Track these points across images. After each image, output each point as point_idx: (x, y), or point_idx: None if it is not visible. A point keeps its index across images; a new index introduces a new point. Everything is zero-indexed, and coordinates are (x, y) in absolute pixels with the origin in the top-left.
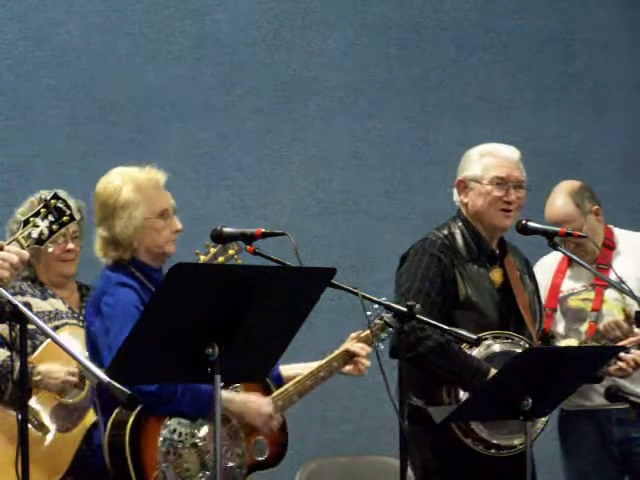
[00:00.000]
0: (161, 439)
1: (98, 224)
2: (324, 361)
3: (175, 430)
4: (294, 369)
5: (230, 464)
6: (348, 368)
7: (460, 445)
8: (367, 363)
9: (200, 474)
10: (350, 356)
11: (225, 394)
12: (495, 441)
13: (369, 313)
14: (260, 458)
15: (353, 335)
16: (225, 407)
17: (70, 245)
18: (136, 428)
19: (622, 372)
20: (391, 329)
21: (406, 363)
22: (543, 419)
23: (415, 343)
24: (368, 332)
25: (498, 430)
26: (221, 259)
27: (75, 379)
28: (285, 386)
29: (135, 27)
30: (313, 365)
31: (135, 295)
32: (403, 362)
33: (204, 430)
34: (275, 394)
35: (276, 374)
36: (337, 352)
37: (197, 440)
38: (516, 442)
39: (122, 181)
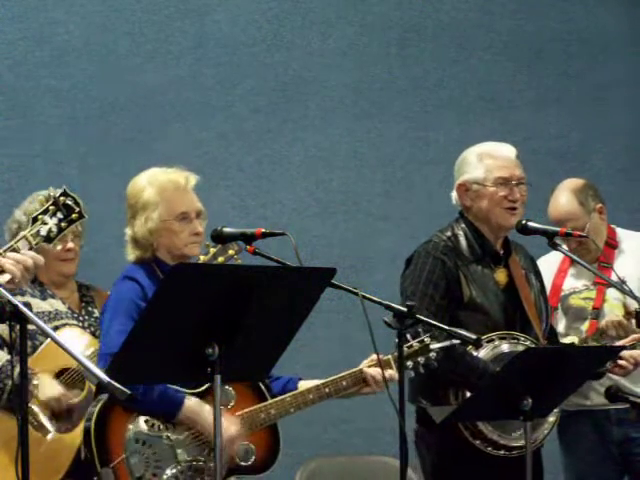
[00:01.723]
0: (131, 427)
1: (127, 224)
2: (332, 378)
3: (148, 420)
4: (313, 384)
5: (205, 463)
6: (363, 388)
7: (469, 446)
8: (378, 388)
9: (171, 466)
10: (363, 378)
11: (195, 406)
12: (503, 442)
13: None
14: (243, 463)
15: (374, 357)
16: (189, 417)
17: (70, 244)
18: (104, 414)
19: (623, 370)
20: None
21: None
22: (551, 419)
23: None
24: (389, 356)
25: (506, 430)
26: (221, 259)
27: (64, 404)
28: (283, 395)
29: (135, 27)
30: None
31: (138, 289)
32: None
33: (176, 423)
34: (269, 402)
35: (294, 389)
36: (349, 371)
37: (170, 433)
38: (524, 442)
39: (146, 182)
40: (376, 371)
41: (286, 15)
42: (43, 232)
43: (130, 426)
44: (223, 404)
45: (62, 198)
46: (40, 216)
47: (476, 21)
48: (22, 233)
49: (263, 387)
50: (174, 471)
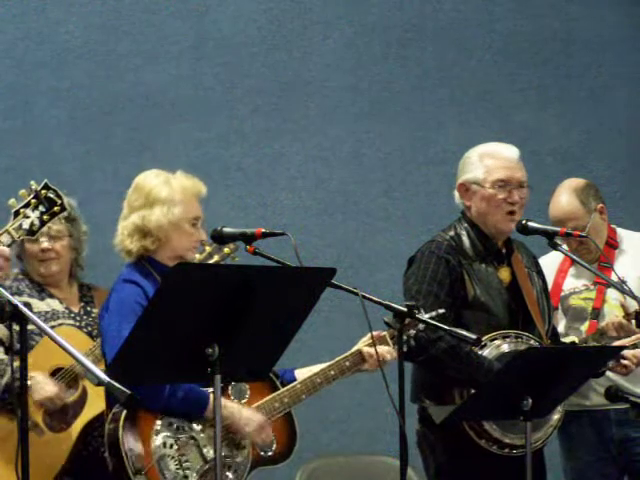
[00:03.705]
0: (156, 430)
1: (132, 211)
2: (335, 360)
3: (172, 423)
4: (310, 371)
5: (232, 459)
6: (363, 366)
7: (474, 446)
8: (376, 365)
9: (200, 465)
10: (362, 357)
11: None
12: (508, 440)
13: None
14: (266, 454)
15: (375, 334)
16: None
17: (44, 245)
18: (130, 419)
19: (626, 370)
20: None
21: (418, 365)
22: (556, 417)
23: (427, 345)
24: (385, 333)
25: (511, 429)
26: (216, 257)
27: (59, 404)
28: (293, 383)
29: (135, 27)
30: (327, 364)
31: (140, 291)
32: (416, 364)
33: (199, 423)
34: (281, 391)
35: (290, 378)
36: (349, 352)
37: (194, 433)
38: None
39: (168, 178)
40: (373, 349)
41: (286, 15)
42: (25, 225)
43: (156, 429)
44: (238, 398)
45: (44, 191)
46: (22, 210)
47: (476, 21)
48: (4, 227)
49: (273, 376)
50: (203, 470)
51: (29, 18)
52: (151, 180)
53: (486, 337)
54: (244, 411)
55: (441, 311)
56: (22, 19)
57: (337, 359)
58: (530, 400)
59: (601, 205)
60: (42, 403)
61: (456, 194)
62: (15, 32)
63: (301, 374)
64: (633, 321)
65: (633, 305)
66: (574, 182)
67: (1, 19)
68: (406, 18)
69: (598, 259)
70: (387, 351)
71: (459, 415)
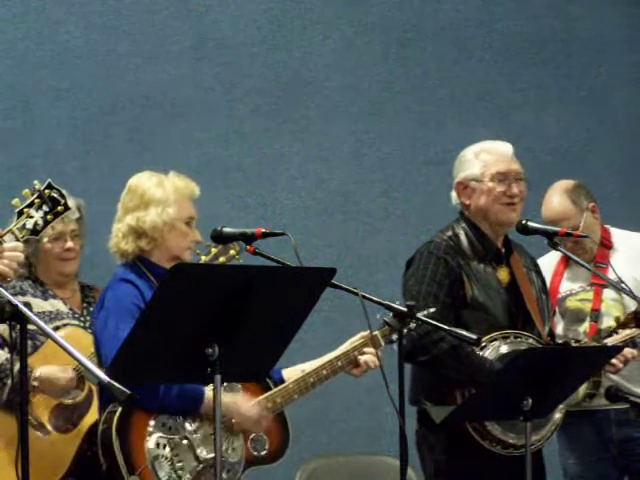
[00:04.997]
0: (150, 430)
1: (126, 213)
2: (327, 359)
3: (165, 424)
4: (297, 370)
5: (226, 458)
6: (354, 369)
7: (473, 446)
8: (371, 363)
9: (193, 465)
10: (355, 361)
11: (212, 394)
12: (511, 440)
13: (378, 316)
14: (259, 453)
15: (364, 334)
16: (211, 407)
17: (69, 244)
18: (123, 420)
19: (613, 367)
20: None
21: (419, 366)
22: (557, 415)
23: (429, 346)
24: (376, 333)
25: (511, 428)
26: (222, 259)
27: (73, 383)
28: (286, 383)
29: (135, 27)
30: (316, 362)
31: (136, 291)
32: (417, 365)
33: (192, 423)
34: (274, 391)
35: (278, 378)
36: (341, 351)
37: (187, 433)
38: (532, 439)
39: (162, 180)
40: (369, 357)
41: (286, 15)
42: (29, 225)
43: (149, 430)
44: None
45: (47, 191)
46: (25, 209)
47: (476, 21)
48: (8, 227)
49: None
50: (197, 470)
51: (29, 18)
52: (145, 182)
53: (485, 338)
54: (240, 406)
55: (432, 309)
56: (22, 19)
57: (330, 358)
58: (530, 400)
59: (592, 204)
60: (61, 394)
61: (453, 195)
62: (15, 32)
63: (289, 373)
64: (632, 326)
65: (631, 305)
66: (564, 183)
67: (1, 19)
68: (406, 18)
69: (594, 259)
70: (371, 360)
71: (459, 415)
